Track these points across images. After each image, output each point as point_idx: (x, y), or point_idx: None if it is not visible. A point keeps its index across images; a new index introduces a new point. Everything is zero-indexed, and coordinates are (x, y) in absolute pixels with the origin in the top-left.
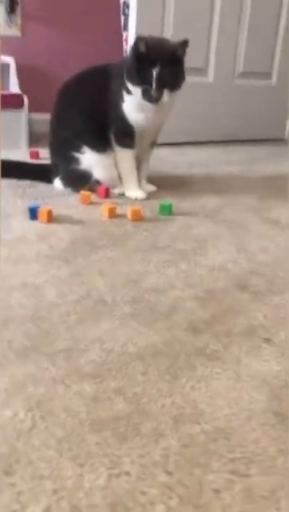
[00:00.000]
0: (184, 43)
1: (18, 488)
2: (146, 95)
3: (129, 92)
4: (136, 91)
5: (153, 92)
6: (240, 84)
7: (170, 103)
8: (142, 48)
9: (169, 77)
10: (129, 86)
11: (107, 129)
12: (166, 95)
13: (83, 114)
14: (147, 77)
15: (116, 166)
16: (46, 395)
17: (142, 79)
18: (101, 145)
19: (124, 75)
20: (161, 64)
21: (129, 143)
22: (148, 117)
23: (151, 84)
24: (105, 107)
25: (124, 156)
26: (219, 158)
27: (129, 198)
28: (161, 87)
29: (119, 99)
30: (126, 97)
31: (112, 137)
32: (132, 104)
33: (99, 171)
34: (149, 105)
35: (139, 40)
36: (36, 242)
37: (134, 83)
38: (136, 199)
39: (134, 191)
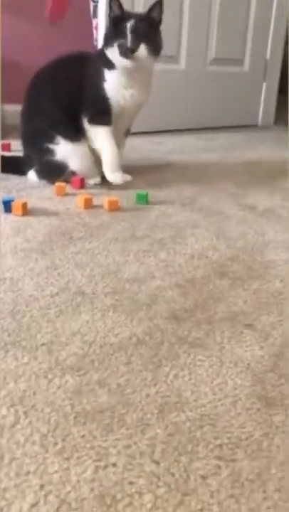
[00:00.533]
0: (158, 4)
1: (3, 485)
2: (122, 50)
3: (110, 66)
4: (114, 54)
5: (129, 44)
6: (212, 71)
7: (149, 71)
8: (116, 10)
9: (145, 32)
10: (108, 52)
11: (80, 117)
12: (142, 49)
13: (57, 103)
14: (122, 31)
15: (91, 154)
16: (28, 390)
17: (117, 34)
18: (75, 134)
19: (103, 46)
20: (136, 19)
21: (106, 120)
22: (132, 94)
23: (126, 38)
24: (80, 93)
25: (102, 134)
26: (195, 146)
27: (104, 188)
28: (137, 39)
29: (100, 80)
30: (107, 74)
31: (84, 121)
32: (115, 82)
33: (74, 162)
34: (131, 81)
35: (112, 1)
36: (12, 235)
37: (111, 42)
38: (113, 183)
39: (113, 174)
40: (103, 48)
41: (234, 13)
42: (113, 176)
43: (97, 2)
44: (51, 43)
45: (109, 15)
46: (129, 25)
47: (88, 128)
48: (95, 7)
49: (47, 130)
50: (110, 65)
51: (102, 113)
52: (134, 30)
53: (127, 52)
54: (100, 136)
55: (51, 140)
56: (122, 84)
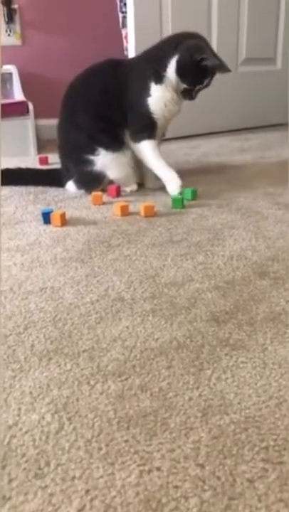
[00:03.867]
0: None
1: (49, 490)
2: (187, 94)
3: (159, 80)
4: (177, 83)
5: (194, 94)
6: (244, 72)
7: None
8: (209, 58)
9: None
10: (175, 78)
11: (122, 126)
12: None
13: (94, 114)
14: (196, 81)
15: (130, 162)
16: (72, 397)
17: (193, 81)
18: (116, 144)
19: (176, 70)
20: (211, 77)
21: (150, 135)
22: (171, 110)
23: (194, 88)
24: (120, 102)
25: (150, 148)
26: (230, 148)
27: (140, 195)
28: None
29: (144, 94)
30: (153, 88)
31: (128, 134)
32: (159, 96)
33: (114, 171)
34: (173, 97)
35: (213, 54)
36: (51, 245)
37: (185, 82)
38: (177, 194)
39: (174, 183)
40: (158, 64)
41: (263, 11)
42: (175, 185)
43: (126, 13)
44: (81, 56)
45: (196, 58)
46: (205, 82)
47: (133, 145)
48: (124, 18)
49: (87, 142)
50: (160, 79)
51: (146, 129)
52: (204, 86)
53: (191, 99)
54: (149, 150)
55: (92, 152)
56: (167, 99)
